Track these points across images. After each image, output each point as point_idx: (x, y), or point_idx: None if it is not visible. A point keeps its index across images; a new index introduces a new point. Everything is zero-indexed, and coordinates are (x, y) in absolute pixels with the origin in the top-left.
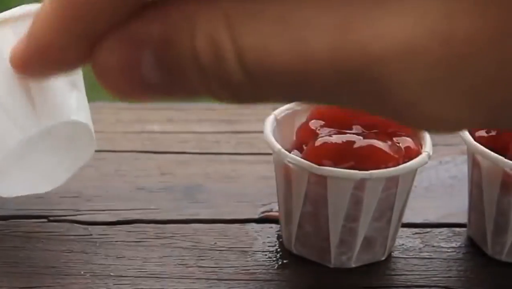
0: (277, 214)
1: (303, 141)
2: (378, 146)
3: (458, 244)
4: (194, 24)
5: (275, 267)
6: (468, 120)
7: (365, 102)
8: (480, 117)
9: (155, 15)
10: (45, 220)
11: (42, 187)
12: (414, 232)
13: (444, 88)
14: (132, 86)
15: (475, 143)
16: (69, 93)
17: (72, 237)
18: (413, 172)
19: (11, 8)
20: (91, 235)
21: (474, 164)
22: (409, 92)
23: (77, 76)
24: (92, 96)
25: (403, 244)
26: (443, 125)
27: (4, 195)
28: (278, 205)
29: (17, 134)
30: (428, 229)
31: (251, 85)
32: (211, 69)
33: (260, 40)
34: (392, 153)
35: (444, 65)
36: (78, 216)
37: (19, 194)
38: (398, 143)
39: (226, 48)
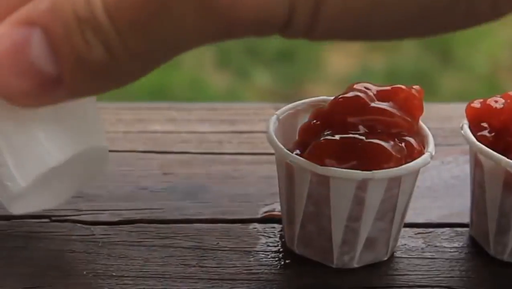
0: (279, 214)
1: (306, 141)
2: (381, 146)
3: (461, 244)
4: None
5: (278, 267)
6: None
7: None
8: None
9: None
10: (48, 220)
11: (48, 203)
12: (416, 232)
13: None
14: (24, 76)
15: (477, 142)
16: (95, 114)
17: (74, 237)
18: (415, 172)
19: None
20: (93, 235)
21: (476, 164)
22: None
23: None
24: None
25: (405, 244)
26: None
27: (14, 212)
28: (281, 205)
29: (56, 156)
30: (431, 229)
31: (115, 32)
32: (88, 21)
33: None
34: (394, 153)
35: None
36: (80, 216)
37: (28, 211)
38: (401, 143)
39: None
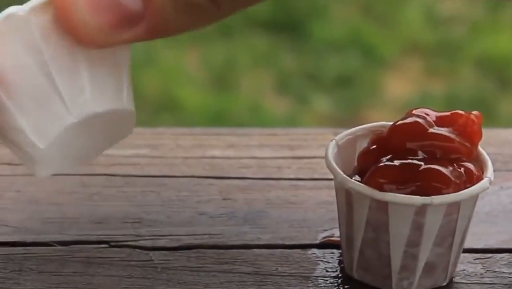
0: (338, 239)
1: (365, 166)
2: (440, 171)
3: None
4: None
5: None
6: None
7: None
8: None
9: None
10: (106, 245)
11: (73, 163)
12: (475, 258)
13: None
14: (103, 11)
15: None
16: (119, 76)
17: (133, 262)
18: (474, 198)
19: None
20: (152, 260)
21: None
22: None
23: (123, 54)
24: (153, 122)
25: (464, 270)
26: None
27: (40, 175)
28: (339, 230)
29: (68, 117)
30: (490, 255)
31: None
32: None
33: None
34: (453, 179)
35: None
36: (139, 242)
37: (53, 172)
38: (460, 168)
39: None
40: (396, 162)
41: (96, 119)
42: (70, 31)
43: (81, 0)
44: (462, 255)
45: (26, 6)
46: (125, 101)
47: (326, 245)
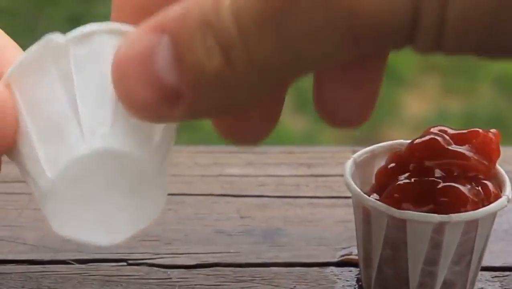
0: (356, 257)
1: (382, 184)
2: (458, 189)
3: None
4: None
5: None
6: None
7: None
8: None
9: (181, 3)
10: (124, 263)
11: (101, 238)
12: (493, 276)
13: None
14: (147, 86)
15: None
16: (151, 129)
17: (151, 280)
18: (492, 216)
19: None
20: (170, 278)
21: None
22: None
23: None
24: None
25: (482, 288)
26: None
27: (58, 231)
28: (357, 248)
29: (82, 147)
30: (508, 273)
31: (237, 31)
32: (211, 25)
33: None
34: (471, 197)
35: None
36: (157, 260)
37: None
38: (478, 186)
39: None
40: (414, 180)
41: (113, 163)
42: (122, 100)
43: (131, 70)
44: (480, 273)
45: (67, 35)
46: (149, 154)
47: (344, 263)
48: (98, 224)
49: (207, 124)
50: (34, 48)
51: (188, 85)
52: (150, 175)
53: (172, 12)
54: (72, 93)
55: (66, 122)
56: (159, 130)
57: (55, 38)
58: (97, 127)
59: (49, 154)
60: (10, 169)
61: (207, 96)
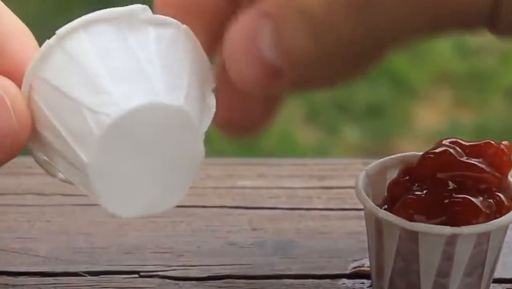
0: (368, 269)
1: (395, 196)
2: (470, 201)
3: None
4: None
5: None
6: None
7: None
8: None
9: None
10: (136, 275)
11: (156, 207)
12: (505, 288)
13: None
14: (252, 64)
15: None
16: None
17: None
18: (504, 228)
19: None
20: None
21: None
22: None
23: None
24: None
25: None
26: None
27: (122, 215)
28: (370, 260)
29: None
30: None
31: (328, 17)
32: (305, 10)
33: None
34: (483, 209)
35: None
36: (169, 272)
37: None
38: (490, 199)
39: None
40: (426, 192)
41: (157, 119)
42: (233, 77)
43: (237, 51)
44: (492, 285)
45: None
46: (180, 101)
47: (356, 275)
48: (147, 193)
49: (219, 137)
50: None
51: (287, 63)
52: (184, 119)
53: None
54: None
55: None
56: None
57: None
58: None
59: (78, 138)
60: (21, 181)
61: (304, 73)
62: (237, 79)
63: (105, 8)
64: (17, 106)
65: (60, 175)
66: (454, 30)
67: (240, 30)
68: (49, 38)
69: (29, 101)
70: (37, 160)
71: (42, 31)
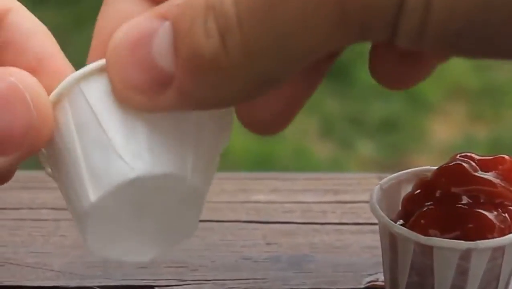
0: (383, 284)
1: (409, 211)
2: (484, 216)
3: None
4: None
5: None
6: None
7: None
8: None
9: None
10: None
11: (142, 255)
12: None
13: None
14: (140, 68)
15: None
16: (183, 145)
17: None
18: None
19: None
20: None
21: None
22: None
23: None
24: None
25: None
26: None
27: (96, 253)
28: (384, 274)
29: (126, 171)
30: None
31: (238, 20)
32: (214, 7)
33: None
34: (498, 223)
35: None
36: (183, 286)
37: (108, 256)
38: (504, 213)
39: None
40: (441, 207)
41: (154, 185)
42: (112, 86)
43: (125, 53)
44: None
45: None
46: (191, 175)
47: None
48: (133, 242)
49: (233, 151)
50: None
51: (182, 68)
52: (189, 194)
53: (174, 2)
54: (104, 124)
55: (106, 147)
56: (202, 151)
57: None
58: (137, 153)
59: (93, 175)
60: (36, 195)
61: (199, 81)
62: (118, 85)
63: None
64: (39, 102)
65: (48, 170)
66: (363, 34)
67: (133, 32)
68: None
69: (58, 102)
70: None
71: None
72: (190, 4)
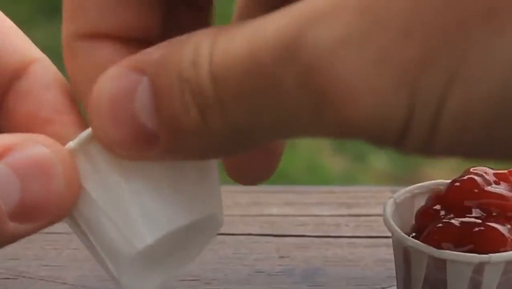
0: None
1: (422, 224)
2: (497, 229)
3: None
4: (186, 44)
5: None
6: (383, 90)
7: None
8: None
9: (162, 45)
10: None
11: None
12: None
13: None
14: (122, 125)
15: None
16: (211, 180)
17: None
18: None
19: None
20: None
21: None
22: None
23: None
24: None
25: None
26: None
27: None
28: (397, 288)
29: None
30: None
31: (216, 99)
32: (189, 81)
33: (227, 44)
34: (510, 237)
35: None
36: None
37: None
38: None
39: (202, 53)
40: (454, 220)
41: (177, 234)
42: (96, 138)
43: (105, 108)
44: None
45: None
46: (191, 215)
47: None
48: (161, 271)
49: None
50: None
51: (164, 131)
52: (211, 218)
53: (152, 53)
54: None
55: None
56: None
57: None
58: (153, 216)
59: (109, 254)
60: None
61: (183, 143)
62: (101, 139)
63: None
64: (69, 174)
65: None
66: (362, 138)
67: (113, 85)
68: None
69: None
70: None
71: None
72: (165, 63)
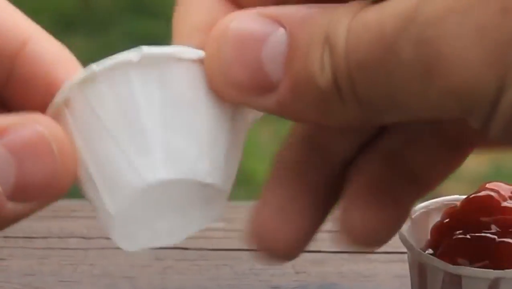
0: None
1: (438, 240)
2: None
3: None
4: (334, 10)
5: None
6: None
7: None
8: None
9: (303, 6)
10: None
11: (173, 237)
12: None
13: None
14: (246, 69)
15: None
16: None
17: None
18: None
19: None
20: None
21: None
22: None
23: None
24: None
25: None
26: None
27: (128, 249)
28: None
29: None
30: None
31: (346, 66)
32: (331, 44)
33: (362, 15)
34: None
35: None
36: None
37: (140, 247)
38: None
39: (344, 21)
40: (469, 236)
41: (178, 188)
42: (209, 77)
43: (234, 48)
44: None
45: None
46: (203, 173)
47: None
48: (162, 226)
49: (262, 180)
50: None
51: (288, 84)
52: (208, 188)
53: (292, 10)
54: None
55: (128, 149)
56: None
57: (126, 58)
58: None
59: (109, 186)
60: (65, 224)
61: (303, 102)
62: (218, 76)
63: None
64: (64, 152)
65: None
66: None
67: (239, 29)
68: None
69: (57, 114)
70: None
71: None
72: (310, 23)
